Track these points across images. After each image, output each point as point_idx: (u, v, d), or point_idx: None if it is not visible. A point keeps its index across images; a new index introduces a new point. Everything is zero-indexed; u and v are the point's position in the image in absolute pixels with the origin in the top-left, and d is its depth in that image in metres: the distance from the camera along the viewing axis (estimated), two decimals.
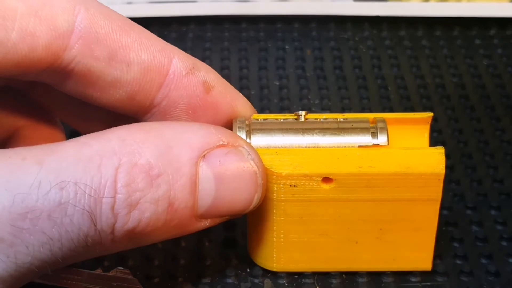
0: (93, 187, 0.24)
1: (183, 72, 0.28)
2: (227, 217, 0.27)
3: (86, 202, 0.23)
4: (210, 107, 0.29)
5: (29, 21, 0.25)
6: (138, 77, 0.27)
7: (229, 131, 0.27)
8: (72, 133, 0.34)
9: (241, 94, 0.30)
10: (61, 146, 0.24)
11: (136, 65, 0.27)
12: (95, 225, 0.24)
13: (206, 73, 0.29)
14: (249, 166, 0.26)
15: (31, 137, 0.31)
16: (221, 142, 0.26)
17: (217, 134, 0.26)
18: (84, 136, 0.25)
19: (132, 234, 0.25)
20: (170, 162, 0.25)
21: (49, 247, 0.23)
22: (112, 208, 0.24)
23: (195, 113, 0.29)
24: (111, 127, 0.31)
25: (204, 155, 0.26)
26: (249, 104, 0.30)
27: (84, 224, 0.24)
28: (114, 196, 0.24)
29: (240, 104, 0.29)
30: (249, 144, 0.27)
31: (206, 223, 0.27)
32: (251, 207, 0.27)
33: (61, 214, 0.23)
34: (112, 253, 0.26)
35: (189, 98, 0.28)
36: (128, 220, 0.24)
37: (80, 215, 0.23)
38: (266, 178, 0.27)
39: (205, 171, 0.26)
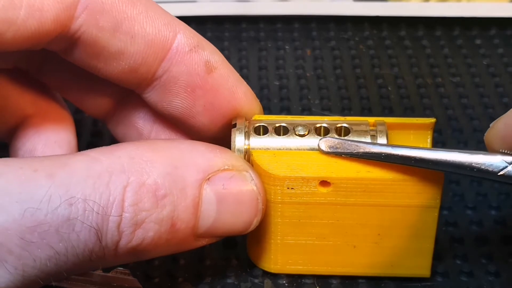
0: (101, 205, 0.24)
1: (186, 48, 0.28)
2: (225, 236, 0.27)
3: (93, 219, 0.24)
4: (210, 89, 0.29)
5: None
6: (141, 49, 0.27)
7: (235, 154, 0.28)
8: (79, 130, 0.34)
9: (244, 82, 0.30)
10: (72, 159, 0.25)
11: (141, 37, 0.27)
12: (100, 242, 0.24)
13: (210, 54, 0.28)
14: (252, 191, 0.27)
15: (39, 126, 0.31)
16: (226, 166, 0.26)
17: (222, 157, 0.27)
18: (94, 150, 0.25)
19: (134, 250, 0.25)
20: (176, 182, 0.25)
21: (55, 261, 0.24)
22: (118, 226, 0.24)
23: (194, 92, 0.28)
24: (114, 105, 0.31)
25: (209, 178, 0.26)
26: (252, 93, 0.30)
27: (90, 240, 0.24)
28: (121, 215, 0.24)
29: (242, 91, 0.29)
30: (253, 169, 0.27)
31: (203, 242, 0.27)
32: (249, 229, 0.27)
33: (69, 229, 0.23)
34: (113, 265, 0.26)
35: (189, 75, 0.28)
36: (132, 238, 0.25)
37: (87, 231, 0.24)
38: (266, 203, 0.28)
39: (209, 194, 0.26)
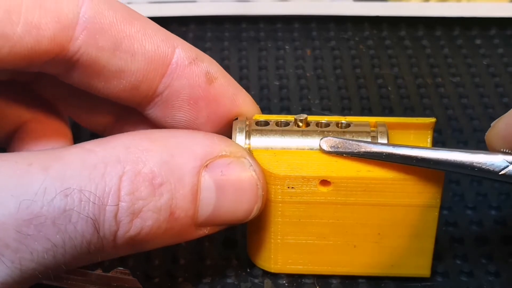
0: (97, 195, 0.24)
1: (186, 62, 0.28)
2: (226, 225, 0.27)
3: (90, 209, 0.24)
4: (212, 99, 0.29)
5: (34, 14, 0.25)
6: (142, 67, 0.27)
7: (232, 141, 0.28)
8: (78, 130, 0.34)
9: (243, 89, 0.30)
10: (66, 152, 0.25)
11: (140, 55, 0.27)
12: (98, 233, 0.24)
13: (209, 65, 0.29)
14: (251, 177, 0.27)
15: (37, 131, 0.31)
16: (223, 153, 0.26)
17: (220, 144, 0.27)
18: (89, 142, 0.25)
19: (133, 241, 0.25)
20: (173, 171, 0.25)
21: (53, 254, 0.23)
22: (115, 216, 0.24)
23: (196, 104, 0.29)
24: (114, 121, 0.31)
25: (207, 165, 0.26)
26: (251, 98, 0.30)
27: (87, 231, 0.24)
28: (118, 204, 0.24)
29: (242, 98, 0.29)
30: (252, 155, 0.27)
31: (205, 231, 0.27)
32: (250, 217, 0.27)
33: (65, 221, 0.23)
34: (112, 258, 0.26)
35: (191, 88, 0.28)
36: (130, 228, 0.25)
37: (84, 222, 0.24)
38: (267, 189, 0.27)
39: (207, 181, 0.26)
